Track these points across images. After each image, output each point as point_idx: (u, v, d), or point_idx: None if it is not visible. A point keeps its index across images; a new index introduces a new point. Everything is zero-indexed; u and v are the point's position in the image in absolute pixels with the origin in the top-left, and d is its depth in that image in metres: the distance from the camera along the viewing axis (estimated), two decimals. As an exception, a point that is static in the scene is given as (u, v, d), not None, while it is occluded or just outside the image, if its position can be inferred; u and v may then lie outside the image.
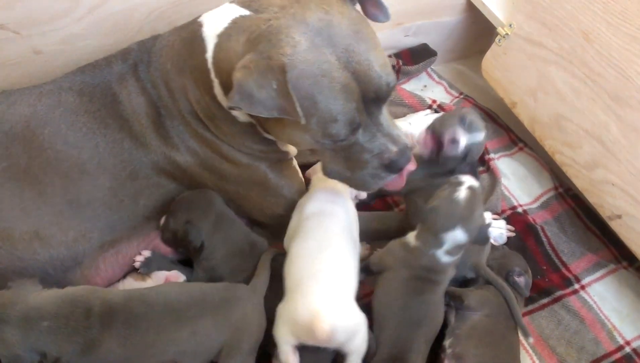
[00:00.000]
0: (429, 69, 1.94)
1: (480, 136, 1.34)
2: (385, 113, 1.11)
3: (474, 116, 1.35)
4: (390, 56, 1.85)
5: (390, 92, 1.08)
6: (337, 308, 1.08)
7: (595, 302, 1.42)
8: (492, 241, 1.45)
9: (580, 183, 1.46)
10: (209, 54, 1.10)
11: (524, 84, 1.57)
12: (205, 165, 1.25)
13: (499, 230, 1.48)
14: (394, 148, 1.11)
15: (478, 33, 1.91)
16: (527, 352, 1.32)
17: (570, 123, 1.45)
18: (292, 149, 1.33)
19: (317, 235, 1.19)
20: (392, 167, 1.12)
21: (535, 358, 1.33)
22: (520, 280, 1.32)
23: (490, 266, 1.34)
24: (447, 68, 2.01)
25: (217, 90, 1.12)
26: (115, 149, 1.21)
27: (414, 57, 1.87)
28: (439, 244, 1.19)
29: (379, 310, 1.22)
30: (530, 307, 1.38)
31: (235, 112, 1.15)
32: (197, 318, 1.08)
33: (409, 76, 1.89)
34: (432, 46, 1.91)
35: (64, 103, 1.20)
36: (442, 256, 1.19)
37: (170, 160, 1.24)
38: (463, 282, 1.33)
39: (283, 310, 1.11)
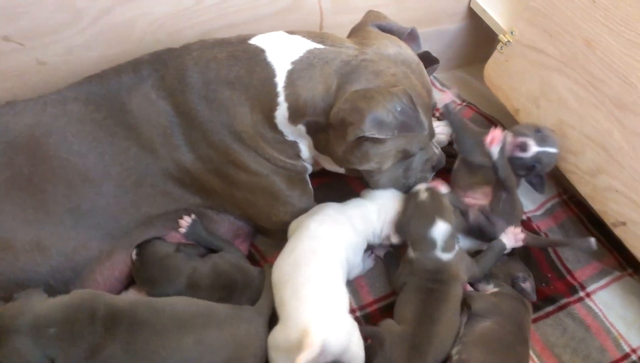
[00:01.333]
0: (432, 77, 1.94)
1: (552, 150, 1.40)
2: None
3: (550, 132, 1.43)
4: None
5: None
6: (326, 320, 1.08)
7: (600, 310, 1.41)
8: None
9: (584, 189, 1.45)
10: (280, 79, 1.16)
11: (527, 91, 1.57)
12: (218, 172, 1.25)
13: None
14: (437, 151, 1.36)
15: (480, 40, 1.91)
16: (532, 360, 1.30)
17: (573, 130, 1.44)
18: (310, 165, 1.36)
19: (297, 251, 1.21)
20: (437, 167, 1.37)
21: (540, 366, 1.32)
22: (527, 286, 1.32)
23: (494, 275, 1.35)
24: (450, 76, 2.01)
25: (281, 112, 1.18)
26: (121, 157, 1.21)
27: (416, 65, 1.86)
28: (433, 245, 1.27)
29: (398, 312, 1.26)
30: (535, 315, 1.36)
31: (287, 131, 1.22)
32: (202, 328, 1.08)
33: (412, 84, 1.89)
34: (434, 53, 1.91)
35: (70, 112, 1.20)
36: (441, 254, 1.28)
37: (181, 167, 1.24)
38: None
39: (272, 338, 1.12)
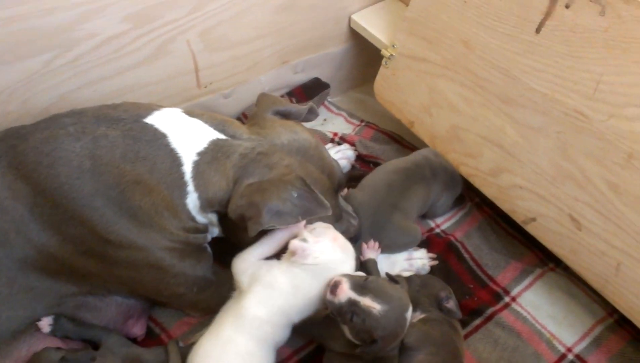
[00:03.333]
0: (326, 102, 1.88)
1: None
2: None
3: None
4: (282, 96, 1.78)
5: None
6: None
7: (529, 312, 1.35)
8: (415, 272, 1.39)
9: (489, 191, 1.40)
10: (187, 169, 1.11)
11: (417, 102, 1.52)
12: (92, 252, 1.11)
13: (421, 261, 1.41)
14: (355, 222, 1.31)
15: (369, 58, 1.87)
16: (468, 382, 1.23)
17: (467, 133, 1.40)
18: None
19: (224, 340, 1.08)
20: (356, 238, 1.31)
21: (477, 387, 1.24)
22: (451, 304, 1.24)
23: (418, 300, 1.25)
24: (346, 98, 1.96)
25: (192, 200, 1.13)
26: None
27: (307, 93, 1.80)
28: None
29: None
30: (464, 331, 1.29)
31: (200, 217, 1.16)
32: None
33: (307, 112, 1.83)
34: (325, 78, 1.86)
35: None
36: None
37: (43, 253, 1.10)
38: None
39: None
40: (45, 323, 1.15)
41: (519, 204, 1.34)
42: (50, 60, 1.26)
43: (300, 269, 1.10)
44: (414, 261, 1.41)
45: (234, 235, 1.21)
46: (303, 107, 1.29)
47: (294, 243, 1.09)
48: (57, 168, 1.06)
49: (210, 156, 1.12)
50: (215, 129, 1.15)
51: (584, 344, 1.30)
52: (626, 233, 1.17)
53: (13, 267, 1.09)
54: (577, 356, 1.28)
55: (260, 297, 1.09)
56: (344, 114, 1.85)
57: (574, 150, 1.22)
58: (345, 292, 1.05)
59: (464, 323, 1.31)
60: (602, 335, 1.31)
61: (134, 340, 1.25)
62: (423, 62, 1.49)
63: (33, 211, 1.08)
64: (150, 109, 1.16)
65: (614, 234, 1.18)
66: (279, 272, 1.11)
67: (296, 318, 1.12)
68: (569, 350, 1.29)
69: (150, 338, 1.28)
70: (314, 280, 1.10)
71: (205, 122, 1.16)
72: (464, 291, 1.37)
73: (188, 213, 1.13)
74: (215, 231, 1.22)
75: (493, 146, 1.36)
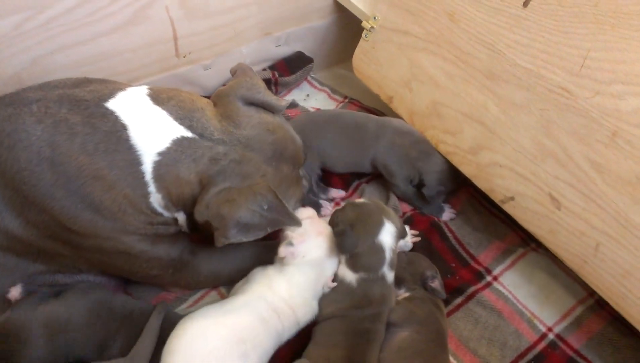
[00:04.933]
0: (309, 77, 1.85)
1: None
2: None
3: None
4: (264, 70, 1.74)
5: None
6: None
7: (510, 292, 1.34)
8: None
9: (468, 169, 1.37)
10: (147, 168, 1.03)
11: (397, 76, 1.49)
12: (58, 237, 1.07)
13: None
14: (306, 183, 1.30)
15: (353, 33, 1.82)
16: (448, 361, 1.21)
17: (448, 109, 1.37)
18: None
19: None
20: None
21: (456, 366, 1.23)
22: (436, 284, 1.22)
23: (403, 278, 1.24)
24: (329, 74, 1.93)
25: (156, 200, 1.06)
26: None
27: (290, 67, 1.77)
28: (380, 256, 1.15)
29: (319, 355, 1.09)
30: (445, 310, 1.27)
31: (167, 213, 1.09)
32: None
33: (289, 87, 1.79)
34: (308, 52, 1.82)
35: None
36: (388, 272, 1.16)
37: (8, 234, 1.05)
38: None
39: None
40: (16, 292, 1.11)
41: (497, 183, 1.31)
42: (21, 22, 1.21)
43: (293, 267, 1.16)
44: None
45: (202, 232, 1.14)
46: (283, 103, 1.18)
47: (281, 250, 1.15)
48: (17, 151, 1.00)
49: (173, 157, 1.03)
50: (181, 123, 1.04)
51: (564, 324, 1.29)
52: (607, 213, 1.14)
53: None
54: (558, 336, 1.27)
55: (260, 293, 1.13)
56: (327, 90, 1.82)
57: (557, 128, 1.19)
58: None
59: (445, 302, 1.29)
60: (582, 315, 1.30)
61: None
62: (405, 35, 1.45)
63: None
64: (115, 89, 1.07)
65: (595, 214, 1.16)
66: (274, 272, 1.17)
67: (302, 317, 1.15)
68: (550, 329, 1.28)
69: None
70: (306, 274, 1.16)
71: (171, 113, 1.05)
72: (445, 269, 1.36)
73: (154, 210, 1.07)
74: (184, 226, 1.15)
75: (474, 122, 1.33)
